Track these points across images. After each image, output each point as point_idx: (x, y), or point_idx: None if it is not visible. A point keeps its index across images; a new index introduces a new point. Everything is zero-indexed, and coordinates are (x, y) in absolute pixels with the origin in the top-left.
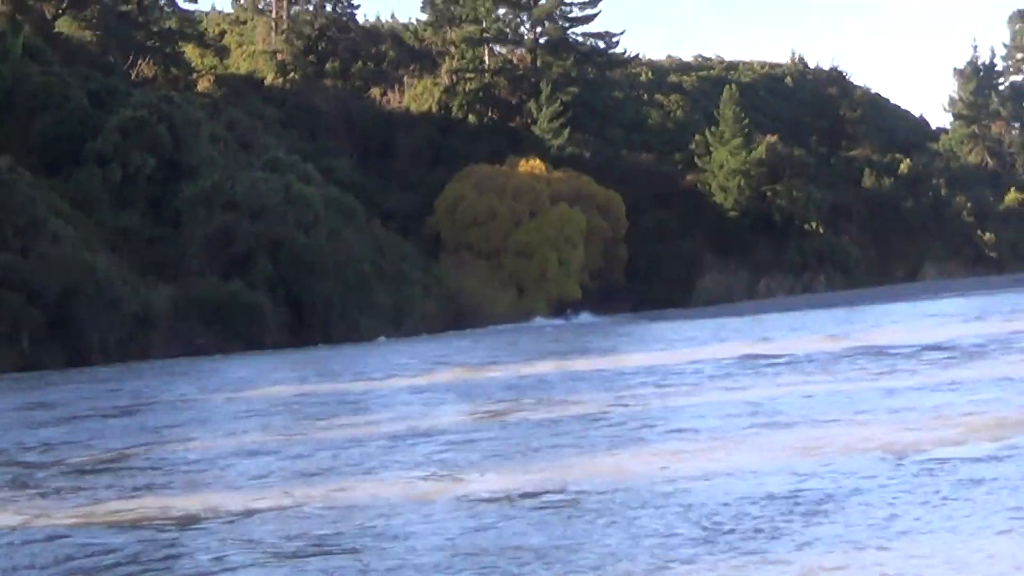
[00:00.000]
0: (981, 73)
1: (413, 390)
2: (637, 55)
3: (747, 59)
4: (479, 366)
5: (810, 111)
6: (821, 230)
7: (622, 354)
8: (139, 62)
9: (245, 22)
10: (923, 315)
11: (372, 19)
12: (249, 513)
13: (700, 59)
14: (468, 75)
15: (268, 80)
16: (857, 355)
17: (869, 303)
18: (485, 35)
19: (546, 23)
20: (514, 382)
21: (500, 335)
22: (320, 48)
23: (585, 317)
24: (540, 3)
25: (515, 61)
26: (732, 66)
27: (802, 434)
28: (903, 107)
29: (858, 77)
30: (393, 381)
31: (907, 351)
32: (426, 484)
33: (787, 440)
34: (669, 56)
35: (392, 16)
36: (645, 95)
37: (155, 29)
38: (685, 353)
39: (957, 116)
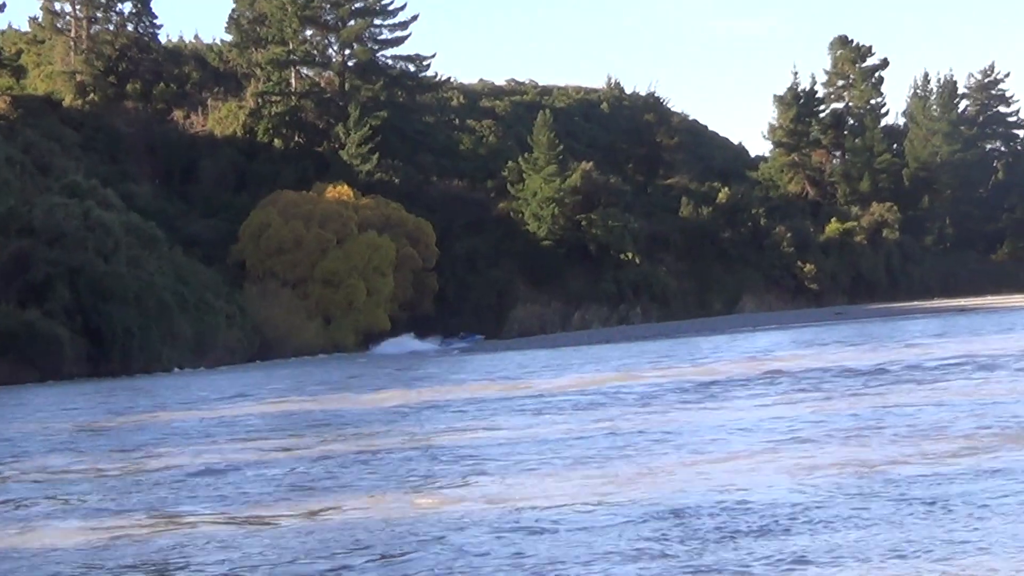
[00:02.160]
0: (801, 100)
1: (213, 423)
2: (449, 78)
3: (562, 84)
4: (279, 399)
5: (627, 138)
6: (637, 260)
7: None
8: None
9: (43, 41)
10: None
11: (175, 39)
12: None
13: (513, 83)
14: (274, 98)
15: (67, 101)
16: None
17: (683, 335)
18: (292, 57)
19: (355, 45)
20: (305, 417)
21: (305, 366)
22: (121, 69)
23: (405, 343)
24: (349, 24)
25: (323, 84)
26: (547, 91)
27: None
28: (722, 135)
29: (676, 103)
30: (191, 413)
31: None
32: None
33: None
34: (481, 80)
35: (196, 36)
36: (457, 120)
37: None
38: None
39: (777, 144)
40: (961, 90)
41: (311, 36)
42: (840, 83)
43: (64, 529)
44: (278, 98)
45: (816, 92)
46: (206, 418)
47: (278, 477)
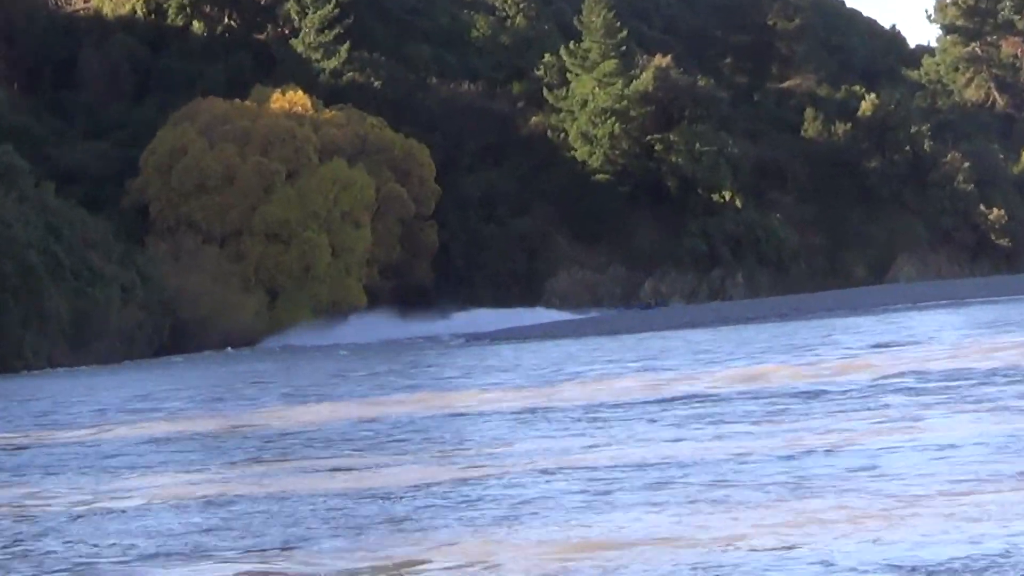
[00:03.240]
0: None
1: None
2: None
3: None
4: (201, 416)
5: (723, 20)
6: (739, 203)
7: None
8: None
9: None
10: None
11: None
12: None
13: None
14: None
15: None
16: None
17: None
18: None
19: None
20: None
21: (240, 362)
22: None
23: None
24: None
25: None
26: None
27: None
28: (866, 15)
29: None
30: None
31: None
32: None
33: None
34: None
35: None
36: None
37: None
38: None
39: (949, 28)
40: None
41: None
42: None
43: None
44: None
45: None
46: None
47: None
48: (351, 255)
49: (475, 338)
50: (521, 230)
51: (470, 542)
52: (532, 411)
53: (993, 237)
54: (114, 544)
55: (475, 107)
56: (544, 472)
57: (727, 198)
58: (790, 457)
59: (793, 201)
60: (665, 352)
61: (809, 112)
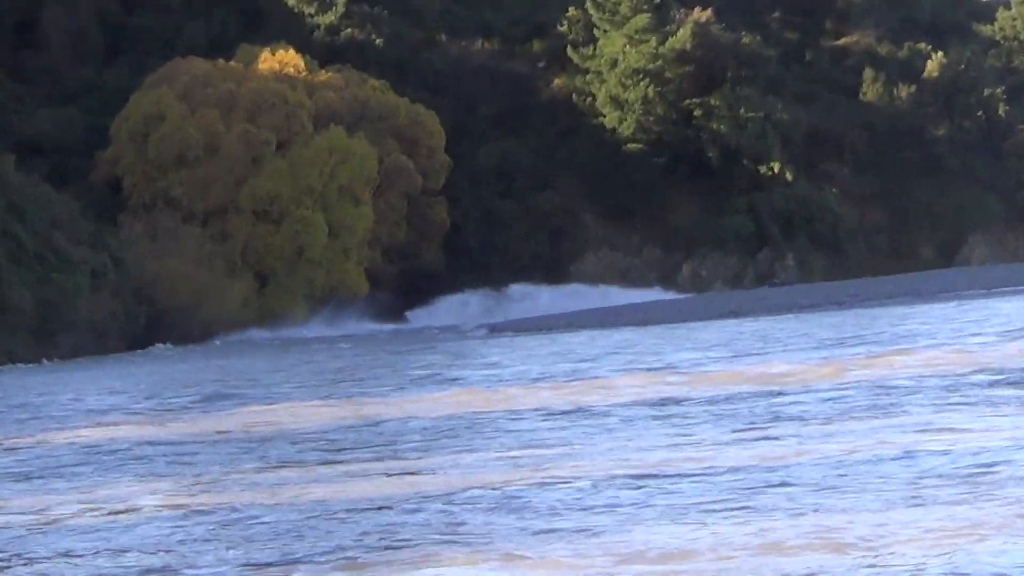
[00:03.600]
0: None
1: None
2: None
3: None
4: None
5: None
6: (789, 176)
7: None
8: None
9: None
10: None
11: None
12: None
13: None
14: None
15: None
16: None
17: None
18: None
19: None
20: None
21: (227, 356)
22: None
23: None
24: None
25: None
26: None
27: None
28: None
29: None
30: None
31: None
32: None
33: None
34: None
35: None
36: None
37: None
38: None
39: None
40: None
41: None
42: None
43: None
44: None
45: None
46: None
47: None
48: (350, 235)
49: (496, 329)
50: (543, 207)
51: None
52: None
53: None
54: None
55: (490, 68)
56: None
57: (775, 170)
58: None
59: (850, 174)
60: (734, 341)
61: (868, 73)
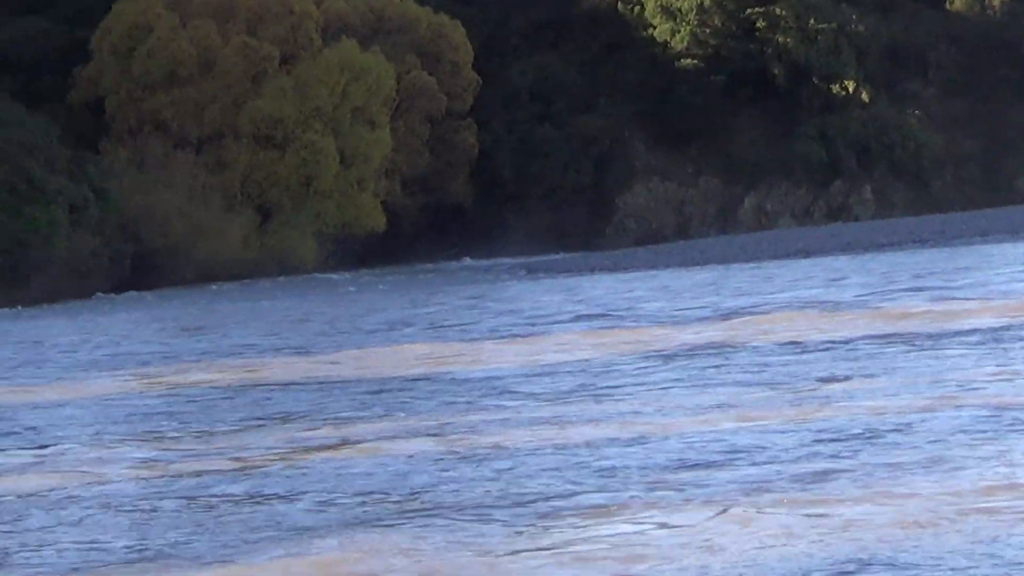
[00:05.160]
0: None
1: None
2: None
3: None
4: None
5: None
6: (866, 97)
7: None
8: None
9: None
10: None
11: None
12: None
13: None
14: None
15: None
16: None
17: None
18: None
19: None
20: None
21: (230, 300)
22: None
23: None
24: None
25: None
26: None
27: None
28: None
29: None
30: None
31: None
32: None
33: None
34: None
35: None
36: None
37: None
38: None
39: None
40: None
41: None
42: None
43: None
44: None
45: None
46: None
47: None
48: (365, 164)
49: (534, 269)
50: (585, 132)
51: None
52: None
53: None
54: None
55: None
56: None
57: (851, 90)
58: None
59: (936, 94)
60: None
61: None
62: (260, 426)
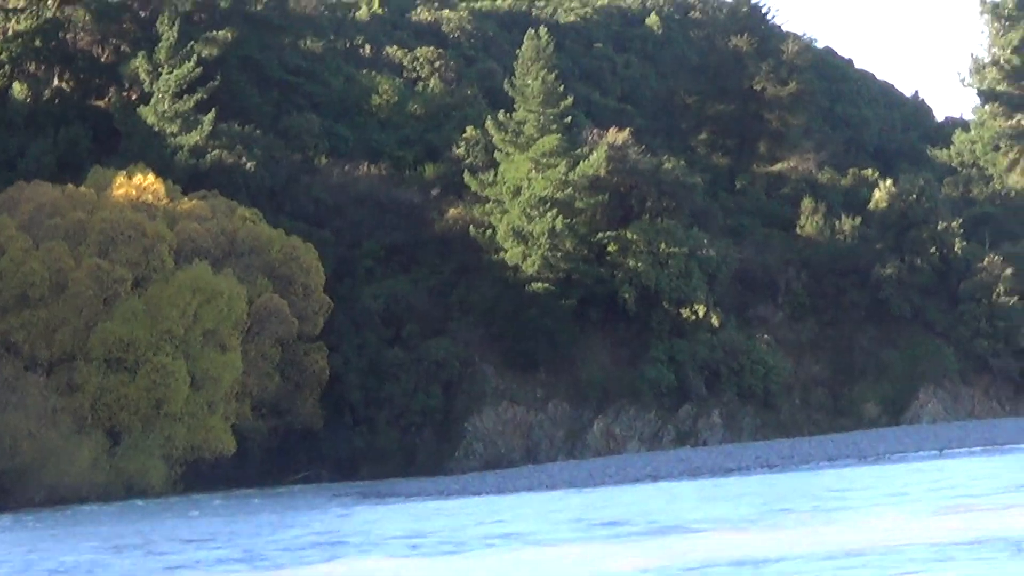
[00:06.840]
0: None
1: None
2: None
3: None
4: None
5: (697, 82)
6: (716, 322)
7: None
8: None
9: None
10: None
11: None
12: None
13: None
14: (13, 2)
15: None
16: None
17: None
18: None
19: None
20: None
21: (73, 522)
22: None
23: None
24: None
25: None
26: None
27: None
28: (880, 78)
29: (792, 19)
30: None
31: None
32: None
33: None
34: None
35: None
36: (367, 46)
37: None
38: None
39: (988, 96)
40: None
41: None
42: None
43: None
44: (21, 3)
45: None
46: None
47: None
48: (216, 387)
49: (383, 494)
50: (435, 355)
51: None
52: None
53: None
54: None
55: (377, 195)
56: None
57: (700, 314)
58: None
59: (785, 319)
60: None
61: (807, 203)
62: None
